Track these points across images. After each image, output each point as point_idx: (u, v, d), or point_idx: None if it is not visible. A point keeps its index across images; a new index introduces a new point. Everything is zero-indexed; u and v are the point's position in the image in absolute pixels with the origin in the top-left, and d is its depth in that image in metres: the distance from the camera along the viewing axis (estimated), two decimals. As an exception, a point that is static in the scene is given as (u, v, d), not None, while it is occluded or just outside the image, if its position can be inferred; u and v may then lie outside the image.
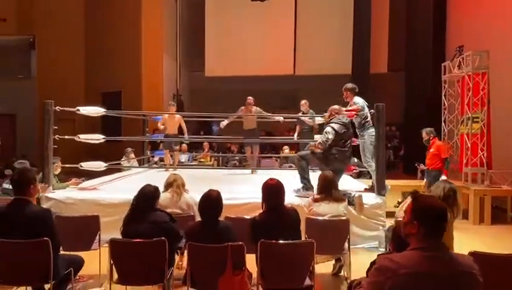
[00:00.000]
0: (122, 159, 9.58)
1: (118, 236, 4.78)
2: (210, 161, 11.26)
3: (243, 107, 8.48)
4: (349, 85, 6.27)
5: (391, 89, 14.04)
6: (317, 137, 8.64)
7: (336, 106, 5.73)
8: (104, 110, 6.51)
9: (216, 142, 13.03)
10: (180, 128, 8.75)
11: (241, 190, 6.19)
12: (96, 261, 4.17)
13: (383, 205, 5.62)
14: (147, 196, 3.43)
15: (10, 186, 4.99)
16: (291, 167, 10.92)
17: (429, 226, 1.96)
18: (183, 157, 10.92)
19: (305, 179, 5.55)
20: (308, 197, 4.91)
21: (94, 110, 6.32)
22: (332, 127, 5.43)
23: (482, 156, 7.24)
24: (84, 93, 13.74)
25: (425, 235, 1.95)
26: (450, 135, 8.54)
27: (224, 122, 8.52)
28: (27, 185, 3.26)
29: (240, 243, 3.13)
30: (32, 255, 3.13)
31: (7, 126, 15.30)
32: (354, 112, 6.05)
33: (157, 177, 7.90)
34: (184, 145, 10.63)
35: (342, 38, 14.65)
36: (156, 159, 10.29)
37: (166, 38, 14.17)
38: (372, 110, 5.86)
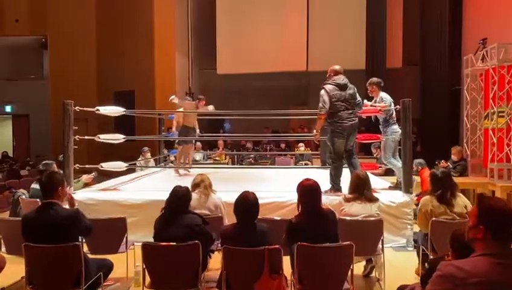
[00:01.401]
0: (139, 159, 9.51)
1: (141, 237, 4.74)
2: (225, 159, 11.17)
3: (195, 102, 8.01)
4: (375, 79, 6.13)
5: (406, 83, 13.81)
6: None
7: (336, 67, 5.57)
8: (124, 109, 6.43)
9: (230, 140, 12.92)
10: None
11: (262, 188, 6.07)
12: (121, 264, 4.10)
13: (410, 203, 5.48)
14: (180, 198, 3.34)
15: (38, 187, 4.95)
16: (307, 164, 10.83)
17: (496, 231, 1.82)
18: (198, 156, 10.84)
19: (335, 179, 5.41)
20: (337, 196, 4.79)
21: (113, 110, 6.25)
22: (324, 89, 5.31)
23: (508, 151, 7.06)
24: (97, 92, 13.70)
25: (493, 240, 1.82)
26: (472, 130, 8.35)
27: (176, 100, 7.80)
28: (55, 188, 3.20)
29: (277, 246, 3.02)
30: (64, 260, 3.06)
31: (21, 126, 15.38)
32: (379, 108, 5.92)
33: (175, 177, 7.89)
34: (198, 144, 10.54)
35: (356, 32, 14.42)
36: (172, 158, 10.20)
37: (178, 36, 14.08)
38: (398, 106, 5.72)
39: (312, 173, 8.00)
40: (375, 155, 8.53)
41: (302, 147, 11.20)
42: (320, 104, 5.30)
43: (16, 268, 4.13)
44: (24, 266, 4.21)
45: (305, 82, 15.36)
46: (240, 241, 3.02)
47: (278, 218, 4.10)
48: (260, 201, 5.21)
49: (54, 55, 14.29)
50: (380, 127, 6.08)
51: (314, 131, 5.56)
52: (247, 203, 3.13)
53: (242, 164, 11.09)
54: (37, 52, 15.83)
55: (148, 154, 9.76)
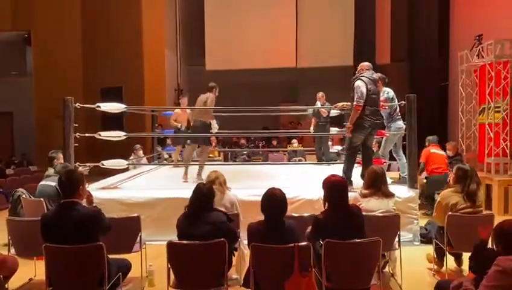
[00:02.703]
0: (131, 157, 9.34)
1: (148, 236, 4.64)
2: (218, 155, 11.08)
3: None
4: (379, 75, 6.12)
5: (395, 80, 13.93)
6: (333, 130, 8.53)
7: (366, 63, 5.49)
8: (125, 106, 6.29)
9: (222, 137, 12.78)
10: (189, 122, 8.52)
11: (266, 185, 6.01)
12: (134, 263, 4.00)
13: (416, 197, 5.52)
14: (204, 195, 3.25)
15: (47, 182, 4.81)
16: (300, 160, 10.83)
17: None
18: (191, 153, 10.71)
19: (347, 174, 5.37)
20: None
21: (114, 107, 6.10)
22: (361, 80, 5.19)
23: (504, 146, 7.19)
24: (83, 89, 13.37)
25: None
26: (467, 125, 8.47)
27: None
28: (77, 186, 3.09)
29: (306, 243, 2.99)
30: (87, 261, 2.97)
31: (4, 124, 14.93)
32: (381, 104, 5.92)
33: (173, 174, 7.77)
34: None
35: (344, 29, 14.51)
36: (165, 155, 10.07)
37: (166, 32, 13.87)
38: (403, 102, 5.74)
39: (309, 169, 8.03)
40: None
41: (295, 144, 11.20)
42: (358, 95, 5.11)
43: (24, 269, 4.01)
44: (32, 268, 4.14)
45: (295, 78, 15.37)
46: (268, 239, 2.96)
47: (296, 214, 4.06)
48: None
49: (38, 51, 13.89)
50: (385, 122, 6.08)
51: (348, 124, 5.35)
52: (274, 200, 3.08)
53: (235, 161, 11.00)
54: (20, 48, 15.38)
55: (141, 152, 9.60)
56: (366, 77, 5.22)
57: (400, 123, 5.94)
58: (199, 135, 6.51)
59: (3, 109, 14.81)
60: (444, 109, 11.94)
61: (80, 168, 6.04)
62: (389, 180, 6.21)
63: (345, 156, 5.53)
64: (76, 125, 5.59)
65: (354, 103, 5.15)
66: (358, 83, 5.18)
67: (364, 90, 5.12)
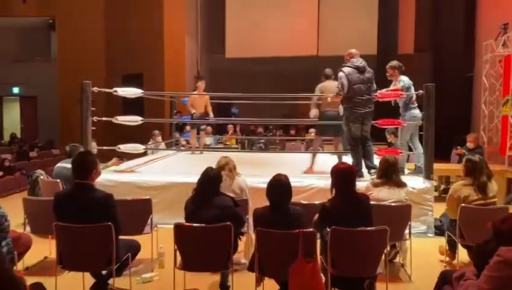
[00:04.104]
0: (149, 143, 9.45)
1: (160, 219, 4.70)
2: (235, 143, 11.12)
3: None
4: (395, 63, 6.01)
5: (418, 70, 13.67)
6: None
7: (353, 50, 5.47)
8: (142, 91, 6.35)
9: (240, 125, 12.78)
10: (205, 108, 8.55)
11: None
12: (144, 245, 4.06)
13: (431, 189, 5.44)
14: (212, 179, 3.28)
15: (63, 164, 4.92)
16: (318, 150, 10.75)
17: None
18: (209, 140, 10.77)
19: (356, 165, 5.31)
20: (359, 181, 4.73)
21: (131, 92, 6.16)
22: (342, 71, 5.19)
23: (527, 139, 7.00)
24: (105, 75, 13.59)
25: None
26: (490, 117, 8.26)
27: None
28: (90, 169, 3.14)
29: (311, 229, 2.99)
30: (96, 240, 3.04)
31: (29, 108, 15.32)
32: (399, 92, 5.82)
33: (189, 160, 7.86)
34: (209, 128, 10.46)
35: (367, 17, 14.22)
36: (183, 142, 10.16)
37: (187, 20, 13.90)
38: (421, 91, 5.62)
39: (326, 158, 7.98)
40: (389, 140, 8.42)
41: (313, 133, 11.12)
42: (339, 87, 5.20)
43: (39, 248, 4.14)
44: (47, 246, 4.25)
45: (316, 67, 15.14)
46: (272, 224, 2.97)
47: (305, 202, 4.05)
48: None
49: (62, 37, 14.16)
50: (400, 111, 5.98)
51: None
52: (279, 186, 3.08)
53: (252, 149, 11.02)
54: (45, 33, 15.68)
55: (159, 138, 9.71)
56: (348, 66, 5.19)
57: (415, 112, 5.82)
58: (200, 121, 6.47)
59: (28, 93, 15.19)
60: (469, 100, 11.64)
61: (114, 159, 6.18)
62: (407, 171, 6.23)
63: (350, 149, 5.49)
64: (93, 109, 5.68)
65: (336, 91, 5.28)
66: (339, 74, 5.19)
67: (345, 81, 5.12)
